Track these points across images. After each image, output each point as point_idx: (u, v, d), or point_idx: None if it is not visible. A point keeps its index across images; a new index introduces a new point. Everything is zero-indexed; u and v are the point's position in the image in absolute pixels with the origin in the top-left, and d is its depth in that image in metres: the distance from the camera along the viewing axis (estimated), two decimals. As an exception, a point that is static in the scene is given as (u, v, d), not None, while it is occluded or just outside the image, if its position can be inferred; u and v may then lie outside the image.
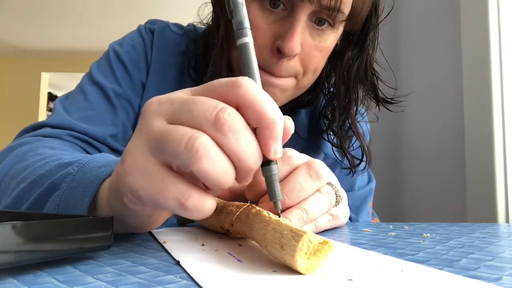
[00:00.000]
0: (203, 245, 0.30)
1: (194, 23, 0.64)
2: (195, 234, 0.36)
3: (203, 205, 0.24)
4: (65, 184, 0.35)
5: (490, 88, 0.79)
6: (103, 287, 0.20)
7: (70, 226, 0.23)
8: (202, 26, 0.62)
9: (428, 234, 0.37)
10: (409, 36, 1.08)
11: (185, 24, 0.67)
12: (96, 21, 4.23)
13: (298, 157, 0.35)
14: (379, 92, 0.58)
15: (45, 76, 5.53)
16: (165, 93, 0.31)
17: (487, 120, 0.79)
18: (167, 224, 0.46)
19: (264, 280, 0.21)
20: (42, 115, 5.46)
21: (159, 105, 0.26)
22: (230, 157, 0.24)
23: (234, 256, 0.26)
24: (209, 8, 0.58)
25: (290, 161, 0.34)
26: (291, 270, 0.23)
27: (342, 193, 0.41)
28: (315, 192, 0.35)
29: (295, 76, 0.52)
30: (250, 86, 0.25)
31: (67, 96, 0.56)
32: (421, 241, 0.33)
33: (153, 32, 0.61)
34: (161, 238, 0.33)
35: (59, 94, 6.51)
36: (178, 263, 0.24)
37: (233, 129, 0.24)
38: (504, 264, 0.25)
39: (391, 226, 0.44)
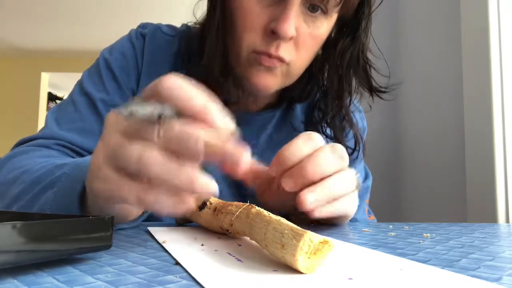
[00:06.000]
0: (202, 245, 0.30)
1: (188, 23, 0.63)
2: (194, 234, 0.36)
3: (159, 198, 0.27)
4: (60, 183, 0.37)
5: (490, 87, 0.79)
6: (103, 287, 0.20)
7: (70, 226, 0.23)
8: (197, 26, 0.62)
9: (428, 234, 0.37)
10: (408, 38, 1.08)
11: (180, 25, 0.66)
12: (96, 21, 4.23)
13: (321, 140, 0.37)
14: (372, 81, 0.59)
15: (45, 76, 5.52)
16: None
17: (487, 120, 0.79)
18: (165, 223, 0.46)
19: (265, 279, 0.21)
20: (42, 115, 5.46)
21: (116, 119, 0.30)
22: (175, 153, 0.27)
23: (234, 256, 0.26)
24: (204, 3, 0.57)
25: (313, 143, 0.37)
26: (291, 269, 0.23)
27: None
28: (338, 171, 0.37)
29: (288, 63, 0.52)
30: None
31: (59, 108, 0.57)
32: (421, 241, 0.33)
33: (144, 36, 0.61)
34: (160, 238, 0.33)
35: (59, 94, 6.51)
36: (177, 263, 0.24)
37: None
38: (504, 264, 0.25)
39: (391, 226, 0.44)
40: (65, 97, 0.61)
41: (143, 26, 0.63)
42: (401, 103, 1.07)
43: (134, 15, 3.96)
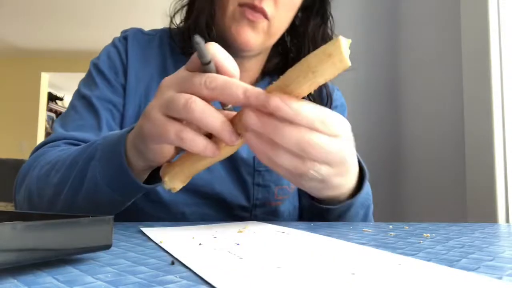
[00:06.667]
0: (200, 244, 0.30)
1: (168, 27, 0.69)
2: (191, 234, 0.36)
3: (195, 137, 0.35)
4: (98, 151, 0.44)
5: (490, 87, 0.79)
6: (103, 287, 0.20)
7: (70, 226, 0.23)
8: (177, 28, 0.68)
9: (428, 234, 0.37)
10: (408, 39, 1.08)
11: None
12: (95, 22, 4.23)
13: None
14: None
15: (45, 76, 5.52)
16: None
17: (487, 120, 0.79)
18: (159, 224, 0.46)
19: (271, 275, 0.21)
20: (42, 115, 5.46)
21: (170, 80, 0.38)
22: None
23: (234, 254, 0.26)
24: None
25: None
26: (294, 265, 0.23)
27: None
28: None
29: (269, 19, 0.57)
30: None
31: (62, 116, 0.65)
32: (421, 241, 0.34)
33: (126, 38, 0.67)
34: (157, 239, 0.33)
35: (59, 94, 6.51)
36: (173, 263, 0.24)
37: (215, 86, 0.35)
38: (504, 264, 0.25)
39: (391, 226, 0.44)
40: (65, 97, 0.65)
41: (124, 31, 0.70)
42: (401, 103, 1.07)
43: (133, 16, 3.97)
